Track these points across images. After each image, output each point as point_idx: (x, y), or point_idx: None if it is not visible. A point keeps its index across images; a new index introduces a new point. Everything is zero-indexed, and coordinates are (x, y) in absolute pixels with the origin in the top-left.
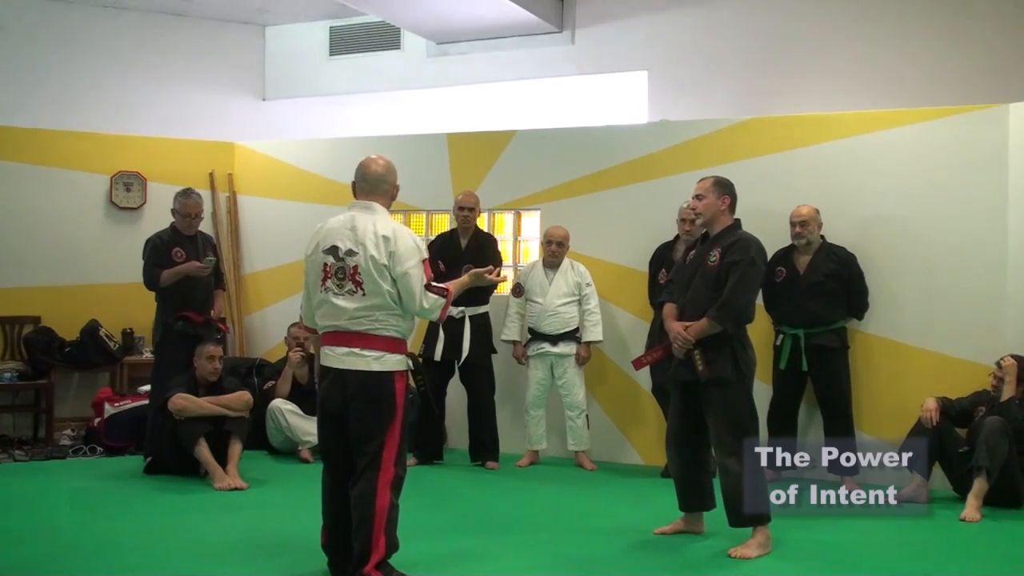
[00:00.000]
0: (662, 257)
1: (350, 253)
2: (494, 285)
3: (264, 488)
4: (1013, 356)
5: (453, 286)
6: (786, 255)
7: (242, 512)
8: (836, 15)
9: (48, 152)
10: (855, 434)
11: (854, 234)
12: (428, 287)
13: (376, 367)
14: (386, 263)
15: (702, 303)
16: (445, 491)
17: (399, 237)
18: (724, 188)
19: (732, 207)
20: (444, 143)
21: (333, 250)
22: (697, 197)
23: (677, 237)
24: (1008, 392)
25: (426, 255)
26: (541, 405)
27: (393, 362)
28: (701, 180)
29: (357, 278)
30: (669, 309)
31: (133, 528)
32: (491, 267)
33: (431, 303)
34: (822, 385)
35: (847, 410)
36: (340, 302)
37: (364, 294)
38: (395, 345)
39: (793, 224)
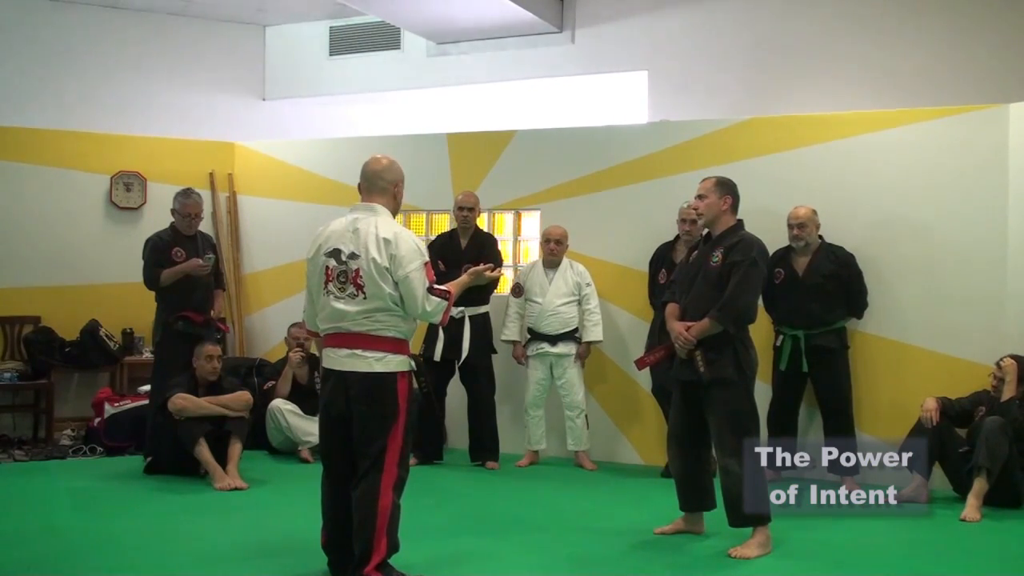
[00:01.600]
0: (662, 257)
1: (352, 256)
2: (494, 284)
3: (264, 488)
4: (1013, 356)
5: (453, 287)
6: (784, 256)
7: (242, 512)
8: (836, 15)
9: (48, 152)
10: (855, 434)
11: (854, 234)
12: (430, 290)
13: (378, 368)
14: (387, 266)
15: (704, 303)
16: (445, 491)
17: (401, 240)
18: (726, 188)
19: (734, 207)
20: (444, 143)
21: (335, 253)
22: (699, 197)
23: (677, 237)
24: (1008, 392)
25: (427, 258)
26: (540, 405)
27: (395, 363)
28: (703, 180)
29: (359, 281)
30: (671, 309)
31: (133, 528)
32: (489, 264)
33: (433, 306)
34: (822, 386)
35: (847, 410)
36: (341, 305)
37: (365, 297)
38: (397, 346)
39: (791, 226)
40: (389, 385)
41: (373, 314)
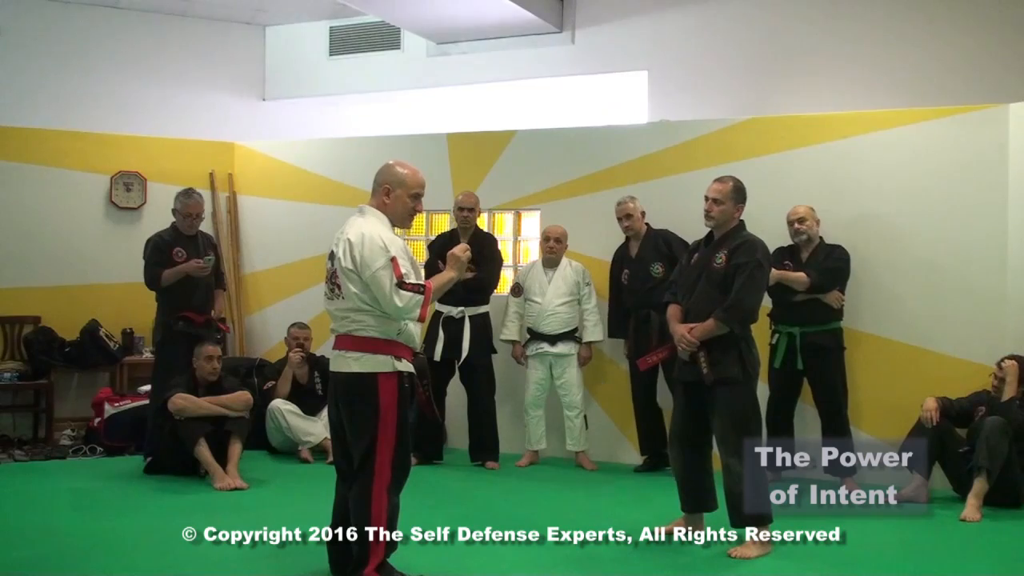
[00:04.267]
0: (622, 257)
1: (335, 258)
2: (494, 283)
3: (264, 488)
4: (1013, 357)
5: (433, 281)
6: (793, 249)
7: (242, 512)
8: (836, 15)
9: (48, 152)
10: (851, 434)
11: (854, 234)
12: (400, 285)
13: (355, 368)
14: (351, 267)
15: (708, 305)
16: (445, 491)
17: (365, 241)
18: (741, 197)
19: (741, 213)
20: (444, 143)
21: (331, 256)
22: (715, 201)
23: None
24: (1009, 392)
25: (393, 253)
26: (540, 405)
27: (374, 363)
28: (720, 182)
29: (336, 281)
30: (673, 311)
31: (133, 528)
32: (462, 245)
33: (405, 301)
34: (817, 385)
35: (842, 410)
36: (328, 305)
37: (342, 297)
38: (376, 346)
39: (791, 223)
40: (367, 385)
41: (349, 314)
